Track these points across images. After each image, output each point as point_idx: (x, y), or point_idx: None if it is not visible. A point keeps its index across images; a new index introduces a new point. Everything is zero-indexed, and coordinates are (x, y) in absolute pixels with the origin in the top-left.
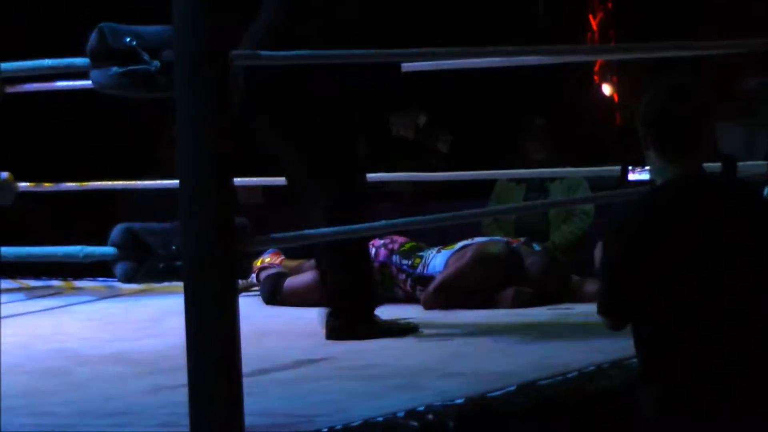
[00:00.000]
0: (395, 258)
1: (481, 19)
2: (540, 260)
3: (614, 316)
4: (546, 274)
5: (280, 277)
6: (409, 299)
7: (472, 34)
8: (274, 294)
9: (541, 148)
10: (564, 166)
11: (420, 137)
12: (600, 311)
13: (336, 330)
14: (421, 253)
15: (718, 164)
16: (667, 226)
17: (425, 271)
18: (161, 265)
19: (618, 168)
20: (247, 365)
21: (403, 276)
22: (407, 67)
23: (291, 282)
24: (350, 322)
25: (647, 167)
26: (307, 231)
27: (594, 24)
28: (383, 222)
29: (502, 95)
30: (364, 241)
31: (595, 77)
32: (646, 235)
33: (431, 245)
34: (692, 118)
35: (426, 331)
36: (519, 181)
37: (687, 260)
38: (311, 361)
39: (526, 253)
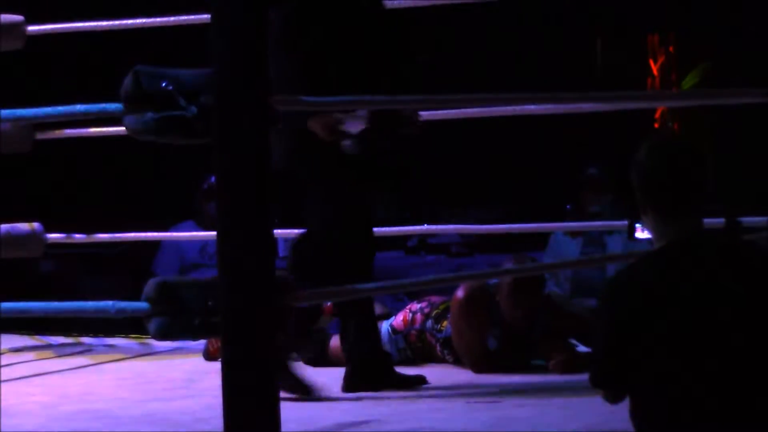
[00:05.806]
0: (429, 323)
1: (536, 65)
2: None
3: (612, 387)
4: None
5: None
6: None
7: (529, 80)
8: (324, 352)
9: (596, 199)
10: (621, 218)
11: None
12: (596, 384)
13: (347, 379)
14: (449, 314)
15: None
16: (667, 291)
17: (448, 331)
18: (197, 321)
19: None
20: (286, 427)
21: (434, 341)
22: (467, 113)
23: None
24: (362, 371)
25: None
26: (349, 285)
27: (654, 68)
28: (431, 276)
29: (559, 144)
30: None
31: (656, 124)
32: (647, 300)
33: None
34: (685, 176)
35: (475, 393)
36: (575, 233)
37: (686, 325)
38: (354, 424)
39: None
